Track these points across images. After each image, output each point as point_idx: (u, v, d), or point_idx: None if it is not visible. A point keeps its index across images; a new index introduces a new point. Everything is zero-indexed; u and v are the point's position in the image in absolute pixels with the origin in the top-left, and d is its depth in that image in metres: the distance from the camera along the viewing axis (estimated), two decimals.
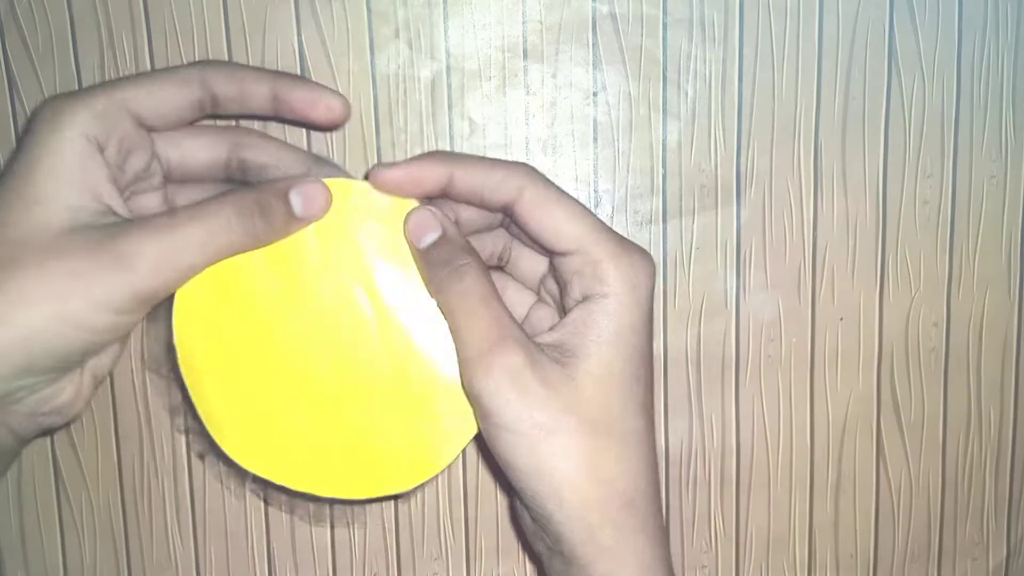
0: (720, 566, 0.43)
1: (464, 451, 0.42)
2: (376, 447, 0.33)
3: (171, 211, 0.31)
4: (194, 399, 0.33)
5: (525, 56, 0.40)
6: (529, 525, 0.33)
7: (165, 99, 0.32)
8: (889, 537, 0.44)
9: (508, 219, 0.34)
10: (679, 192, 0.41)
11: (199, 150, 0.34)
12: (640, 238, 0.41)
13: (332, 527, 0.43)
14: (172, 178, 0.35)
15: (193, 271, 0.31)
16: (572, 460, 0.30)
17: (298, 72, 0.39)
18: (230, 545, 0.43)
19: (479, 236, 0.35)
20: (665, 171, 0.41)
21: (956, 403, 0.43)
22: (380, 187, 0.32)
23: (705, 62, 0.40)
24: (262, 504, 0.43)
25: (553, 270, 0.34)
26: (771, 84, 0.40)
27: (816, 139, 0.41)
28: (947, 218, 0.42)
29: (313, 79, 0.39)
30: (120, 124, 0.31)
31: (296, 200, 0.32)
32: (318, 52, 0.39)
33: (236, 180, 0.35)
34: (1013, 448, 0.43)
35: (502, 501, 0.42)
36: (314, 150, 0.40)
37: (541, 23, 0.39)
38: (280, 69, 0.39)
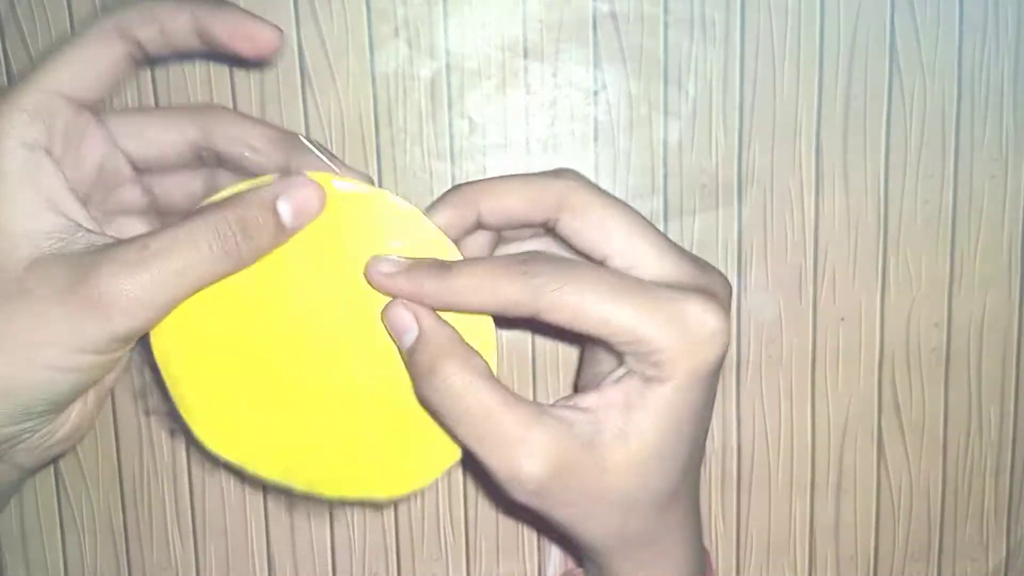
0: (720, 566, 0.43)
1: (464, 452, 0.42)
2: (362, 451, 0.31)
3: (143, 241, 0.27)
4: (167, 380, 0.30)
5: (525, 55, 0.40)
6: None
7: (91, 67, 0.29)
8: (889, 537, 0.44)
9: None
10: (680, 192, 0.41)
11: (164, 141, 0.31)
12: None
13: (332, 527, 0.43)
14: (143, 169, 0.32)
15: (174, 305, 0.28)
16: (600, 530, 0.29)
17: (298, 72, 0.39)
18: (230, 545, 0.43)
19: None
20: (666, 170, 0.41)
21: (957, 404, 0.43)
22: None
23: (706, 61, 0.40)
24: (262, 504, 0.43)
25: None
26: (772, 84, 0.40)
27: (817, 139, 0.41)
28: (948, 218, 0.42)
29: (313, 81, 0.38)
30: (58, 116, 0.28)
31: (286, 210, 0.28)
32: (317, 51, 0.39)
33: (213, 166, 0.32)
34: (1013, 449, 0.43)
35: (502, 501, 0.42)
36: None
37: (541, 22, 0.39)
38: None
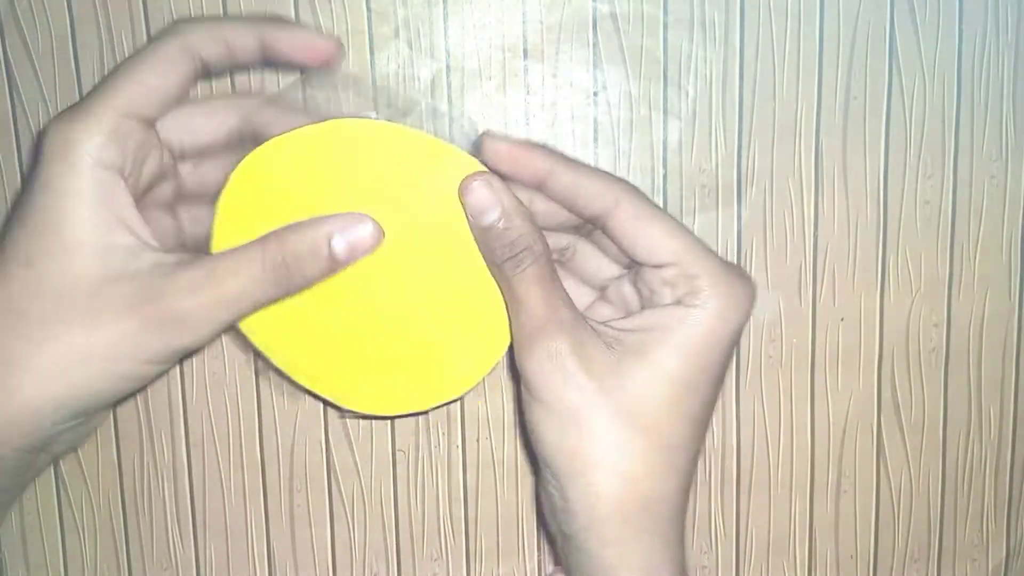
0: (720, 566, 0.43)
1: (465, 452, 0.42)
2: (411, 360, 0.34)
3: (210, 266, 0.30)
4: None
5: (525, 56, 0.40)
6: (548, 503, 0.33)
7: (161, 88, 0.31)
8: (889, 538, 0.44)
9: (591, 227, 0.33)
10: (680, 192, 0.41)
11: (211, 129, 0.33)
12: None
13: (332, 527, 0.43)
14: (185, 158, 0.34)
15: (233, 323, 0.31)
16: (599, 447, 0.30)
17: (297, 70, 0.39)
18: (230, 545, 0.43)
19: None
20: (666, 171, 0.41)
21: (956, 403, 0.43)
22: (481, 154, 0.31)
23: (706, 62, 0.40)
24: (262, 504, 0.43)
25: (637, 279, 0.33)
26: (772, 84, 0.40)
27: (817, 139, 0.41)
28: (948, 218, 0.42)
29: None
30: (131, 138, 0.30)
31: (340, 247, 0.31)
32: None
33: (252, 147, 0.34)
34: (1013, 449, 0.43)
35: (502, 501, 0.42)
36: None
37: (541, 23, 0.39)
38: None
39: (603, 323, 0.31)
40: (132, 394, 0.32)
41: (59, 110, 0.38)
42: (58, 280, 0.29)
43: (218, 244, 0.32)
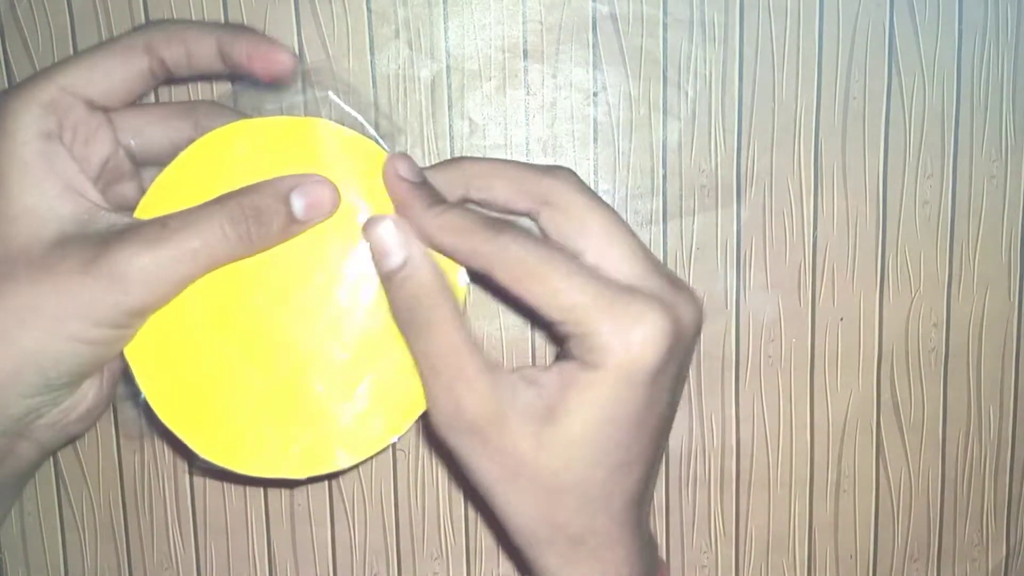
0: (720, 566, 0.43)
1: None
2: (326, 423, 0.32)
3: (162, 220, 0.29)
4: (134, 369, 0.31)
5: (525, 56, 0.40)
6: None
7: (111, 74, 0.30)
8: (889, 537, 0.44)
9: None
10: (679, 192, 0.41)
11: (161, 135, 0.32)
12: (640, 238, 0.41)
13: (332, 527, 0.43)
14: (140, 163, 0.33)
15: (187, 283, 0.29)
16: (524, 508, 0.30)
17: (298, 71, 0.39)
18: (230, 544, 0.43)
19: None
20: (665, 171, 0.41)
21: (956, 403, 0.43)
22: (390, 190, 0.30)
23: (705, 62, 0.40)
24: (263, 504, 0.43)
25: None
26: (771, 84, 0.40)
27: (816, 139, 0.41)
28: (947, 218, 0.42)
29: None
30: (71, 111, 0.30)
31: (298, 204, 0.30)
32: (318, 52, 0.39)
33: None
34: (1013, 448, 0.43)
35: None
36: None
37: (541, 23, 0.39)
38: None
39: (523, 375, 0.30)
40: (98, 367, 0.30)
41: None
42: (7, 245, 0.29)
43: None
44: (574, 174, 0.31)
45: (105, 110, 0.31)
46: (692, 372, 0.42)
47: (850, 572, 0.44)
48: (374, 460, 0.42)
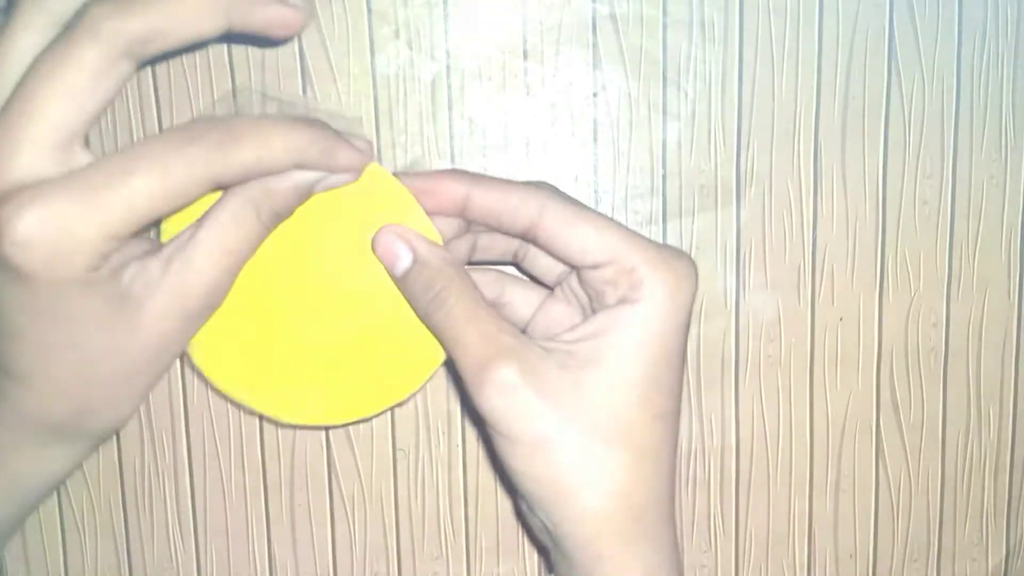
0: (720, 566, 0.43)
1: (465, 452, 0.42)
2: (351, 374, 0.33)
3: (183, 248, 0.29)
4: None
5: (525, 56, 0.40)
6: (533, 523, 0.32)
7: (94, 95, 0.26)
8: (888, 537, 0.44)
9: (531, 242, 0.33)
10: (679, 192, 0.41)
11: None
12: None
13: (332, 526, 0.43)
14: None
15: (232, 268, 0.29)
16: (576, 470, 0.29)
17: (299, 72, 0.39)
18: (231, 545, 0.43)
19: (491, 234, 0.34)
20: (665, 171, 0.41)
21: (955, 403, 0.43)
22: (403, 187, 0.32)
23: (705, 62, 0.40)
24: (263, 504, 0.43)
25: (581, 281, 0.32)
26: (771, 84, 0.40)
27: (816, 139, 0.41)
28: (947, 218, 0.42)
29: (315, 84, 0.38)
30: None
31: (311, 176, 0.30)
32: (318, 52, 0.39)
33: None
34: (1013, 448, 0.43)
35: (502, 501, 0.42)
36: None
37: (541, 24, 0.39)
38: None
39: (551, 338, 0.31)
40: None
41: None
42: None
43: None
44: (555, 188, 0.32)
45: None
46: (692, 372, 0.42)
47: (850, 572, 0.44)
48: (374, 460, 0.42)
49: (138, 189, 0.25)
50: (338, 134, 0.30)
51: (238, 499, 0.43)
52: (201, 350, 0.33)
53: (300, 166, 0.29)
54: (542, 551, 0.34)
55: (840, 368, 0.42)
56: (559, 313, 0.34)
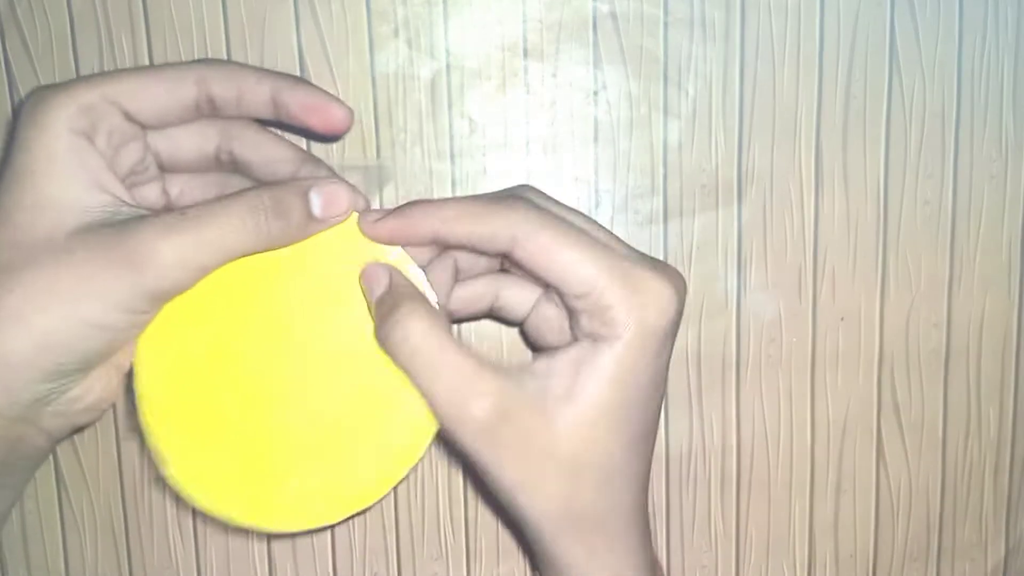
0: (720, 566, 0.43)
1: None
2: (337, 465, 0.32)
3: (183, 209, 0.29)
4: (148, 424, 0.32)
5: (525, 55, 0.40)
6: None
7: (157, 96, 0.31)
8: (889, 537, 0.44)
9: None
10: (680, 192, 0.41)
11: (187, 140, 0.33)
12: (641, 238, 0.41)
13: (332, 527, 0.43)
14: (164, 168, 0.34)
15: (206, 271, 0.30)
16: (546, 499, 0.30)
17: (298, 72, 0.39)
18: (231, 545, 0.43)
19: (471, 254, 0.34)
20: (666, 171, 0.41)
21: (956, 404, 0.43)
22: (368, 238, 0.31)
23: (706, 61, 0.40)
24: None
25: (561, 296, 0.32)
26: (772, 84, 0.40)
27: (817, 139, 0.41)
28: (948, 218, 0.42)
29: (314, 82, 0.38)
30: (108, 118, 0.30)
31: (316, 201, 0.30)
32: (317, 52, 0.39)
33: (228, 171, 0.34)
34: (1013, 449, 0.43)
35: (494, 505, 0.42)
36: (313, 150, 0.40)
37: (541, 22, 0.39)
38: (282, 71, 0.39)
39: (526, 367, 0.30)
40: (108, 355, 0.31)
41: None
42: (32, 232, 0.29)
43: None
44: (531, 200, 0.31)
45: (144, 126, 0.32)
46: (692, 372, 0.42)
47: (850, 572, 0.44)
48: None
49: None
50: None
51: None
52: (183, 474, 0.31)
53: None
54: (527, 550, 0.34)
55: (841, 368, 0.42)
56: (551, 313, 0.34)
